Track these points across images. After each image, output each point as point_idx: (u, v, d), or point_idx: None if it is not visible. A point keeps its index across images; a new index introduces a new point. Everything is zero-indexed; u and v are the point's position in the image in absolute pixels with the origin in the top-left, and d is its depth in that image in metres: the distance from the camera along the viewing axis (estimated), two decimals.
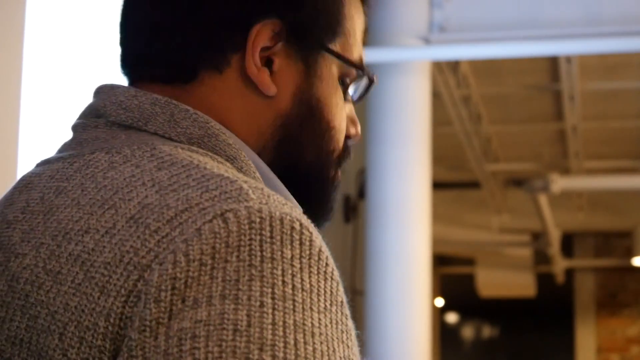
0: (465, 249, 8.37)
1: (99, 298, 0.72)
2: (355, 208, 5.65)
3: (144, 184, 0.77)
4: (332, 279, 0.75)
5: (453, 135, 5.98)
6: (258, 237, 0.72)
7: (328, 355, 0.71)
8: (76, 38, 2.30)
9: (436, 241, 5.07)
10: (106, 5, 2.45)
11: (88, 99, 0.93)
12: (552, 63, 5.22)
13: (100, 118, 0.88)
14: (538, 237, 7.95)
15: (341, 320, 0.74)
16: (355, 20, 0.98)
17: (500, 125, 6.42)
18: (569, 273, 8.98)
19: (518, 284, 8.45)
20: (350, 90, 0.97)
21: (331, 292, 0.74)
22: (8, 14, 2.12)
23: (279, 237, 0.73)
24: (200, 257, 0.71)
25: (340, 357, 0.73)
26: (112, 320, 0.71)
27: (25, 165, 2.13)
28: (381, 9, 4.22)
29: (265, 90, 0.89)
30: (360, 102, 1.00)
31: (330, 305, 0.74)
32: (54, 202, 0.80)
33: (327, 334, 0.72)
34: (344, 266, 5.60)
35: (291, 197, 0.91)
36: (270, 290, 0.71)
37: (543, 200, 6.46)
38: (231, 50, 0.89)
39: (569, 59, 4.93)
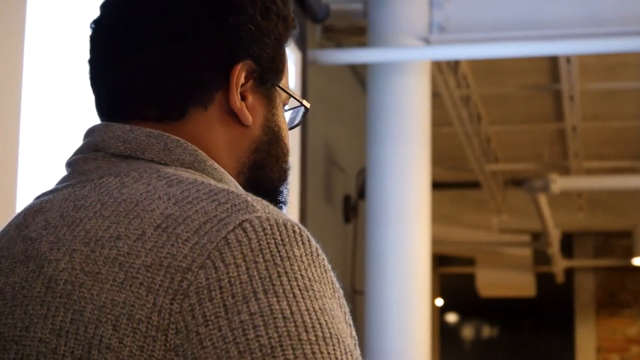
0: (465, 249, 8.37)
1: (146, 296, 0.86)
2: (355, 208, 5.65)
3: (160, 198, 0.91)
4: (329, 270, 0.91)
5: (453, 135, 5.98)
6: (273, 241, 0.88)
7: (344, 332, 0.87)
8: (76, 38, 2.30)
9: (436, 241, 5.07)
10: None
11: (79, 140, 1.04)
12: (552, 63, 5.22)
13: (99, 152, 1.00)
14: (538, 237, 7.95)
15: (343, 304, 0.91)
16: (287, 61, 1.12)
17: (500, 125, 6.42)
18: (569, 273, 8.98)
19: (518, 284, 8.44)
20: (287, 118, 1.15)
21: (332, 281, 0.90)
22: (8, 14, 2.12)
23: (287, 240, 0.88)
24: (234, 261, 0.86)
25: (346, 336, 0.88)
26: (163, 315, 0.85)
27: (25, 165, 2.13)
28: (381, 9, 4.22)
29: (244, 120, 1.04)
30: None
31: (334, 292, 0.90)
32: (75, 216, 0.93)
33: (338, 316, 0.88)
34: (344, 266, 5.60)
35: None
36: (295, 283, 0.86)
37: (543, 200, 6.46)
38: (216, 89, 1.03)
39: (569, 59, 4.93)
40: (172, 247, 0.87)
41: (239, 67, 1.03)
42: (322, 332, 0.84)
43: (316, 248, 0.90)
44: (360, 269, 5.14)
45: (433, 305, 9.35)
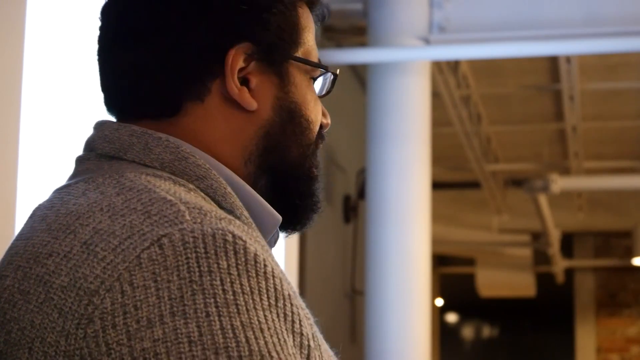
0: (465, 249, 8.37)
1: (58, 319, 0.81)
2: (355, 208, 5.65)
3: (101, 210, 0.86)
4: (273, 277, 0.83)
5: (453, 135, 5.98)
6: (194, 255, 0.81)
7: (280, 345, 0.80)
8: (76, 38, 2.30)
9: (436, 241, 5.07)
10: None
11: (79, 139, 1.03)
12: (552, 63, 5.22)
13: (92, 151, 0.98)
14: (538, 237, 7.95)
15: (291, 311, 0.83)
16: (310, 29, 1.05)
17: (500, 125, 6.42)
18: (569, 273, 8.98)
19: (518, 284, 8.45)
20: (317, 87, 1.06)
21: (275, 288, 0.83)
22: (8, 14, 2.12)
23: (212, 251, 0.81)
24: (143, 283, 0.80)
25: (291, 346, 0.82)
26: (69, 341, 0.80)
27: (25, 165, 2.13)
28: (381, 9, 4.22)
29: (247, 106, 0.98)
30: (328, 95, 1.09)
31: (276, 301, 0.82)
32: (36, 228, 0.90)
33: (275, 328, 0.81)
34: (344, 266, 5.60)
35: (266, 205, 0.99)
36: (212, 300, 0.79)
37: (543, 200, 6.46)
38: (210, 78, 0.97)
39: (569, 59, 4.93)
40: (87, 267, 0.82)
41: (232, 52, 0.97)
42: (239, 351, 0.77)
43: (254, 255, 0.82)
44: (360, 269, 5.14)
45: (433, 305, 9.35)
